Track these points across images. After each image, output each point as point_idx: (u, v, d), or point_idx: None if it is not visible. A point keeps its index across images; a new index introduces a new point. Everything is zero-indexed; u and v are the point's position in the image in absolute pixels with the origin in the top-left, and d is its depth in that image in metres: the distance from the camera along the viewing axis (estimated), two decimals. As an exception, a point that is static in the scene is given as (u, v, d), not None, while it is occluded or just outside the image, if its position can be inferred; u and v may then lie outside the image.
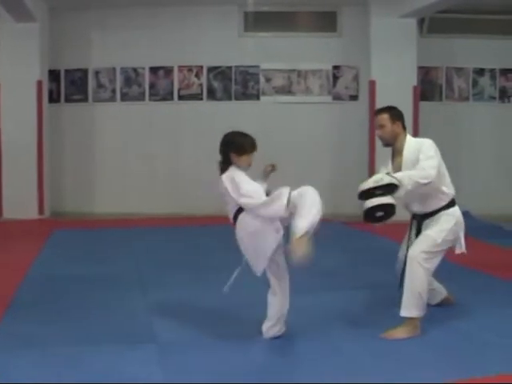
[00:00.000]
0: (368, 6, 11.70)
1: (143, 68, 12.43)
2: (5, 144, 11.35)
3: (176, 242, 9.08)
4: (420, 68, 12.04)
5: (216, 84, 12.51)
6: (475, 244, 8.79)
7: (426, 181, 4.96)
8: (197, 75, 12.48)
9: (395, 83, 11.36)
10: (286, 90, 12.59)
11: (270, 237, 4.62)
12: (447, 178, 5.26)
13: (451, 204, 5.23)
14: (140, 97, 12.48)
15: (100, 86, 12.46)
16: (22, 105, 11.32)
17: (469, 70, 12.74)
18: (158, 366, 4.36)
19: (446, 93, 12.74)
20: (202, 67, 12.47)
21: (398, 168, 5.26)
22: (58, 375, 4.13)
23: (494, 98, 12.82)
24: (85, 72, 12.42)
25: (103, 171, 12.45)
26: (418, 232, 5.26)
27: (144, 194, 12.27)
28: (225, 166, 4.81)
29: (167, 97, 12.49)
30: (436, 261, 5.10)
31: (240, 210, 4.72)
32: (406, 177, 4.94)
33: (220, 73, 12.49)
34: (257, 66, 12.50)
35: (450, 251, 5.26)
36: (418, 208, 5.29)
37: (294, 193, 4.61)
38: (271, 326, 4.88)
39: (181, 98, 12.50)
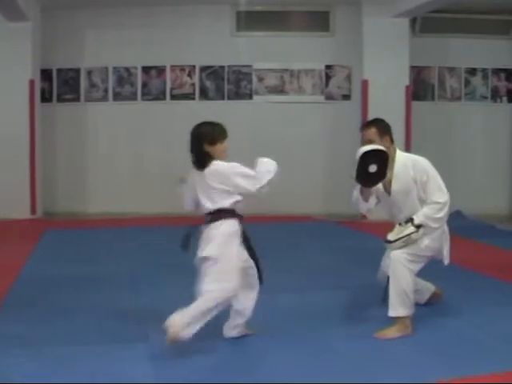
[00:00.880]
0: (360, 6, 11.72)
1: (136, 67, 12.42)
2: (-4, 143, 11.34)
3: (168, 242, 9.05)
4: (412, 68, 12.06)
5: (208, 83, 12.51)
6: (467, 243, 8.84)
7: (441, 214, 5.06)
8: (189, 75, 12.47)
9: (388, 83, 11.39)
10: (279, 90, 12.59)
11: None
12: None
13: None
14: (132, 96, 12.48)
15: (92, 85, 12.44)
16: (14, 104, 11.30)
17: (461, 70, 12.77)
18: (150, 365, 4.36)
19: (439, 92, 12.76)
20: (194, 67, 12.46)
21: (387, 182, 5.23)
22: (50, 375, 4.12)
23: (486, 97, 12.86)
24: (77, 71, 12.41)
25: (95, 171, 12.44)
26: None
27: (136, 194, 12.25)
28: (202, 159, 4.72)
29: (160, 96, 12.48)
30: (418, 266, 5.12)
31: (214, 216, 4.68)
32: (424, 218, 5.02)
33: (212, 72, 12.49)
34: (249, 66, 12.51)
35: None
36: (399, 216, 5.27)
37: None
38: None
39: (173, 97, 12.50)
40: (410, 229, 5.00)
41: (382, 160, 5.00)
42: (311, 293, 6.33)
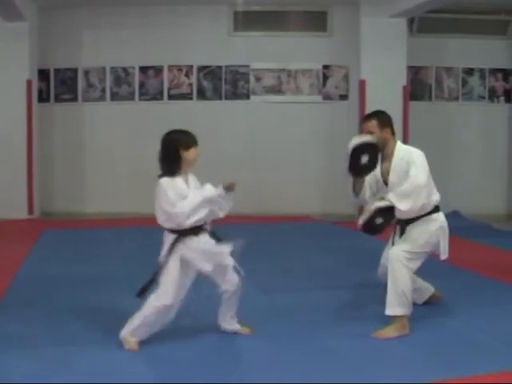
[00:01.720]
0: (358, 6, 11.72)
1: (133, 67, 12.42)
2: (-6, 143, 11.33)
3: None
4: (410, 68, 12.07)
5: (206, 83, 12.51)
6: (464, 243, 8.84)
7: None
8: (187, 75, 12.47)
9: (385, 83, 11.40)
10: (276, 90, 12.59)
11: None
12: (431, 187, 5.26)
13: (435, 210, 5.24)
14: (130, 96, 12.47)
15: (90, 85, 12.43)
16: (11, 104, 11.29)
17: (458, 70, 12.78)
18: (148, 366, 4.36)
19: (436, 92, 12.77)
20: (191, 67, 12.46)
21: (385, 173, 5.27)
22: (48, 375, 4.12)
23: (484, 97, 12.87)
24: (74, 71, 12.40)
25: (93, 171, 12.43)
26: (401, 235, 5.27)
27: (134, 194, 12.24)
28: (175, 164, 4.89)
29: (157, 96, 12.48)
30: (418, 263, 5.13)
31: None
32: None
33: (210, 72, 12.48)
34: (247, 66, 12.51)
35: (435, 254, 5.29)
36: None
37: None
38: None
39: (171, 97, 12.50)
40: (371, 210, 5.03)
41: (374, 151, 5.05)
42: (309, 293, 6.33)
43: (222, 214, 4.87)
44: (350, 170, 5.19)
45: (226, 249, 4.78)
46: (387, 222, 5.09)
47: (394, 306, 4.99)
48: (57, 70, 12.38)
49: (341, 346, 4.75)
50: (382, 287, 5.14)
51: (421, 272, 5.49)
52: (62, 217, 11.90)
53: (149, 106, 12.44)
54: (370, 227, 5.15)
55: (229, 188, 4.75)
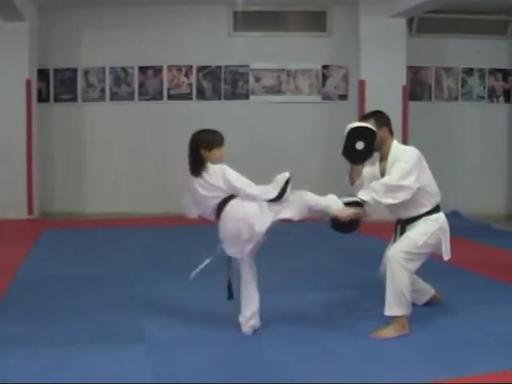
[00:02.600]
0: (357, 6, 11.71)
1: (132, 67, 12.41)
2: (-7, 143, 11.32)
3: (166, 242, 9.06)
4: (409, 68, 12.06)
5: (205, 84, 12.50)
6: (464, 243, 8.84)
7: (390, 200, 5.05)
8: (186, 75, 12.47)
9: (384, 83, 11.38)
10: (276, 90, 12.59)
11: (260, 220, 4.86)
12: (432, 186, 5.25)
13: (435, 210, 5.24)
14: (129, 96, 12.46)
15: (89, 85, 12.43)
16: (10, 104, 11.28)
17: (458, 70, 12.78)
18: (148, 365, 4.36)
19: (436, 92, 12.77)
20: (191, 67, 12.46)
21: (382, 172, 5.28)
22: (48, 375, 4.12)
23: (483, 97, 12.87)
24: (74, 71, 12.38)
25: (93, 171, 12.42)
26: (401, 234, 5.27)
27: (134, 194, 12.24)
28: (198, 164, 4.83)
29: (157, 96, 12.48)
30: (417, 263, 5.12)
31: (226, 199, 4.82)
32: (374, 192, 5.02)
33: (209, 72, 12.48)
34: (246, 66, 12.50)
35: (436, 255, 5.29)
36: (401, 213, 5.29)
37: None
38: (249, 319, 4.95)
39: (170, 97, 12.49)
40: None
41: (370, 138, 5.07)
42: (309, 293, 6.33)
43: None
44: (344, 154, 5.22)
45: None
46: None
47: (393, 307, 4.99)
48: (56, 70, 12.36)
49: (340, 346, 4.75)
50: (382, 287, 5.14)
51: (420, 272, 5.49)
52: (62, 217, 11.89)
53: (148, 106, 12.44)
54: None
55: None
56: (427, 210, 5.19)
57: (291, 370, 4.32)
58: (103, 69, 12.40)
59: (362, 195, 5.03)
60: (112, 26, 12.19)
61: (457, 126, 12.77)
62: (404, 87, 11.67)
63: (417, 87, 12.62)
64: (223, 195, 4.82)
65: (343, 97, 12.59)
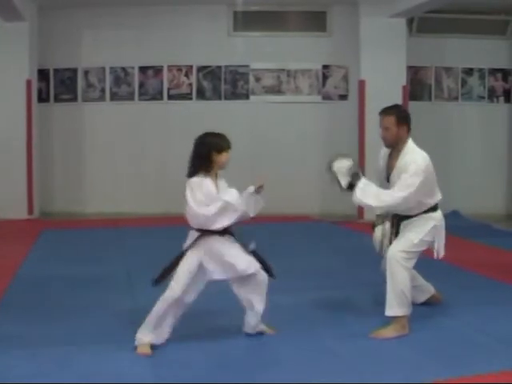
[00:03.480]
0: (357, 6, 11.72)
1: (133, 67, 12.41)
2: (-6, 143, 11.32)
3: (165, 242, 9.04)
4: (409, 68, 12.06)
5: (205, 83, 12.50)
6: (464, 243, 8.85)
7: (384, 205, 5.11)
8: (186, 75, 12.47)
9: (385, 83, 11.39)
10: (276, 90, 12.59)
11: None
12: (433, 190, 5.24)
13: (432, 209, 5.23)
14: (129, 96, 12.47)
15: (89, 85, 12.43)
16: (11, 104, 11.29)
17: (458, 70, 12.79)
18: (147, 365, 4.36)
19: (436, 92, 12.78)
20: (191, 67, 12.46)
21: (390, 169, 5.26)
22: (48, 375, 4.12)
23: (483, 97, 12.87)
24: (74, 71, 12.39)
25: (92, 171, 12.43)
26: (396, 230, 5.27)
27: (134, 194, 12.25)
28: (204, 167, 4.81)
29: (157, 96, 12.48)
30: (414, 261, 5.15)
31: None
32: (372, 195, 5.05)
33: (209, 72, 12.48)
34: (246, 66, 12.51)
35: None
36: (400, 210, 5.29)
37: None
38: (259, 322, 4.96)
39: (170, 97, 12.50)
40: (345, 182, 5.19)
41: (354, 174, 5.16)
42: (308, 293, 6.32)
43: (252, 215, 5.04)
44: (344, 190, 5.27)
45: (241, 265, 4.83)
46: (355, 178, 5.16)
47: (394, 307, 4.99)
48: (56, 70, 12.37)
49: (340, 346, 4.75)
50: (382, 286, 5.14)
51: (420, 272, 5.50)
52: (62, 217, 11.90)
53: (148, 105, 12.44)
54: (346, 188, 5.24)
55: (258, 190, 4.99)
56: (424, 209, 5.19)
57: (291, 369, 4.32)
58: (103, 69, 12.41)
59: (360, 193, 5.06)
60: (112, 26, 12.20)
61: (457, 125, 12.77)
62: (404, 87, 11.67)
63: (417, 87, 12.62)
64: None
65: (343, 97, 12.60)
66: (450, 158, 12.51)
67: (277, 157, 12.30)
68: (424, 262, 5.32)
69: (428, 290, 5.70)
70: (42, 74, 12.19)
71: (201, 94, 12.52)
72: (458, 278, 6.94)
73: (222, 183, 4.91)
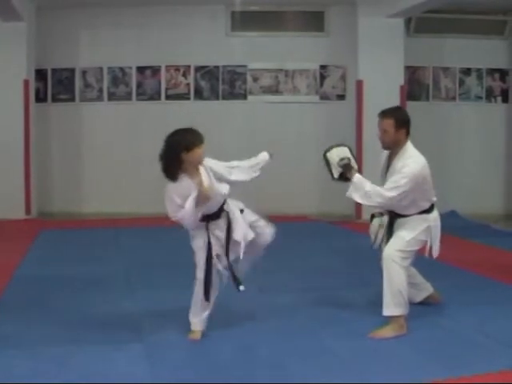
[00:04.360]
0: (355, 6, 11.71)
1: (130, 67, 12.40)
2: (-9, 144, 11.31)
3: (164, 242, 9.06)
4: (407, 68, 12.06)
5: (203, 83, 12.50)
6: (462, 243, 8.86)
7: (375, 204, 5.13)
8: (184, 75, 12.47)
9: (382, 83, 11.39)
10: (274, 90, 12.59)
11: None
12: (429, 192, 5.24)
13: (427, 211, 5.24)
14: (127, 96, 12.45)
15: (87, 85, 12.42)
16: (8, 104, 11.26)
17: (455, 70, 12.79)
18: (146, 365, 4.36)
19: (433, 92, 12.78)
20: (189, 67, 12.45)
21: (387, 167, 5.28)
22: (46, 376, 4.12)
23: (481, 97, 12.87)
24: (72, 71, 12.37)
25: (90, 171, 12.41)
26: (389, 227, 5.28)
27: (132, 194, 12.23)
28: (174, 169, 4.83)
29: (154, 96, 12.47)
30: (410, 260, 5.17)
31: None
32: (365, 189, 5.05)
33: (207, 72, 12.48)
34: (244, 66, 12.50)
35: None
36: (394, 208, 5.31)
37: None
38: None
39: (168, 97, 12.49)
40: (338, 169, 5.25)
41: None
42: (306, 293, 6.33)
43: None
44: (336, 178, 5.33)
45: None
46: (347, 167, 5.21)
47: (391, 307, 4.99)
48: (54, 70, 12.35)
49: (339, 346, 4.75)
50: (381, 286, 5.14)
51: (419, 272, 5.50)
52: (60, 217, 11.88)
53: (146, 105, 12.43)
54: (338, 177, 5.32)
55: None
56: (419, 210, 5.20)
57: (290, 369, 4.32)
58: (101, 69, 12.39)
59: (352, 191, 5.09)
60: (110, 26, 12.18)
61: (454, 126, 12.77)
62: (402, 87, 11.67)
63: (414, 87, 12.62)
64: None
65: (341, 97, 12.59)
66: (447, 158, 12.51)
67: (275, 157, 12.28)
68: (423, 262, 5.32)
69: (426, 288, 5.70)
70: (40, 74, 12.17)
71: (199, 94, 12.51)
72: (456, 277, 6.94)
73: (206, 170, 4.93)
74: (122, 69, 12.41)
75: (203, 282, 4.83)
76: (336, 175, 5.25)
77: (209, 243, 4.85)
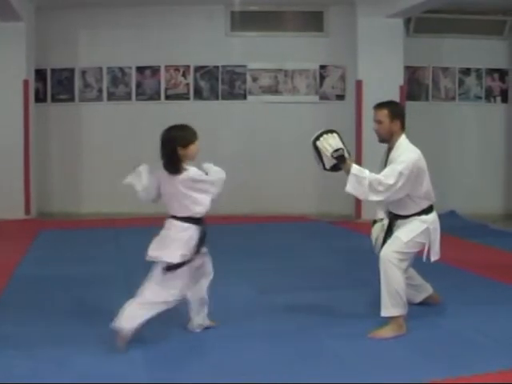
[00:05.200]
0: (355, 6, 11.72)
1: (130, 67, 12.41)
2: (-9, 144, 11.31)
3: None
4: (407, 68, 12.07)
5: (203, 83, 12.50)
6: (461, 243, 8.86)
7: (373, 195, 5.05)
8: (184, 75, 12.47)
9: (382, 83, 11.37)
10: (273, 90, 12.59)
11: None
12: (427, 189, 5.24)
13: (426, 211, 5.23)
14: (127, 96, 12.46)
15: (87, 85, 12.42)
16: (8, 104, 11.27)
17: (455, 70, 12.79)
18: (144, 367, 4.36)
19: (433, 92, 12.78)
20: (188, 67, 12.45)
21: (385, 163, 5.29)
22: (45, 376, 4.12)
23: (480, 97, 12.88)
24: (71, 71, 12.38)
25: (90, 171, 12.41)
26: (388, 229, 5.28)
27: (131, 194, 12.16)
28: (174, 163, 4.94)
29: (154, 96, 12.47)
30: (408, 262, 5.15)
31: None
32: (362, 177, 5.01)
33: (207, 72, 12.48)
34: (244, 66, 12.50)
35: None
36: (392, 208, 5.31)
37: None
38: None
39: (168, 97, 12.49)
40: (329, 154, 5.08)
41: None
42: (306, 293, 6.34)
43: None
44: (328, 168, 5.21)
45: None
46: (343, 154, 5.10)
47: (389, 307, 5.00)
48: (54, 70, 12.35)
49: (338, 346, 4.75)
50: (379, 287, 5.14)
51: (418, 272, 5.50)
52: (59, 217, 11.89)
53: (146, 106, 12.43)
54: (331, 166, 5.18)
55: None
56: (418, 210, 5.19)
57: (290, 369, 4.32)
58: (100, 69, 12.39)
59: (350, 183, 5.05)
60: (109, 26, 12.19)
61: (454, 126, 12.77)
62: (401, 87, 11.67)
63: (414, 87, 12.63)
64: (180, 212, 5.06)
65: (341, 97, 12.59)
66: (447, 158, 12.52)
67: (274, 157, 12.31)
68: (421, 262, 5.32)
69: (426, 289, 5.70)
70: (40, 74, 12.17)
71: (198, 94, 12.52)
72: (455, 277, 6.95)
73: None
74: (121, 69, 12.41)
75: None
76: (328, 166, 5.16)
77: None
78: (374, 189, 4.99)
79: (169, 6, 12.09)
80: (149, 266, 4.92)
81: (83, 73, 12.39)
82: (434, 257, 5.25)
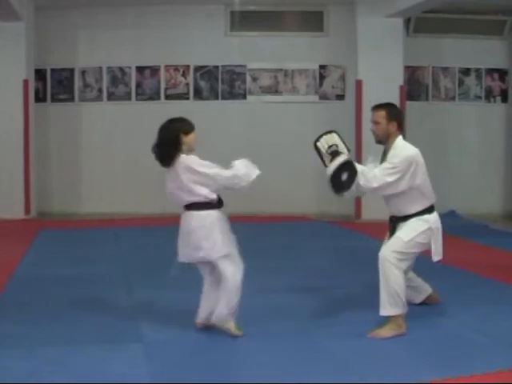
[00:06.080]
0: (355, 6, 11.72)
1: (130, 67, 12.41)
2: (-10, 143, 11.31)
3: (162, 242, 9.05)
4: (406, 68, 12.07)
5: (203, 83, 12.50)
6: (461, 243, 8.86)
7: (367, 187, 5.11)
8: (183, 75, 12.47)
9: (382, 83, 11.38)
10: (273, 90, 12.59)
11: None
12: (426, 187, 5.25)
13: (427, 211, 5.23)
14: (126, 96, 12.46)
15: (86, 85, 12.42)
16: (7, 104, 11.27)
17: (455, 70, 12.79)
18: (145, 365, 4.35)
19: (433, 92, 12.78)
20: (188, 66, 12.46)
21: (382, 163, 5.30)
22: (43, 375, 4.12)
23: (480, 97, 12.88)
24: (71, 71, 12.38)
25: (89, 171, 12.41)
26: (392, 234, 5.28)
27: (131, 194, 12.23)
28: (173, 150, 5.21)
29: (154, 96, 12.47)
30: (408, 263, 5.13)
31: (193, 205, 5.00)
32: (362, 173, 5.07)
33: (207, 72, 12.48)
34: (243, 66, 12.50)
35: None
36: (394, 210, 5.30)
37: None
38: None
39: (167, 97, 12.49)
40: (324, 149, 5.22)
41: (350, 167, 5.12)
42: (305, 293, 6.34)
43: None
44: (335, 191, 5.28)
45: None
46: (352, 178, 5.11)
47: (387, 307, 4.99)
48: (53, 70, 12.36)
49: (337, 346, 4.75)
50: (379, 286, 5.14)
51: (418, 272, 5.50)
52: (59, 217, 11.89)
53: (145, 105, 12.43)
54: (338, 186, 5.24)
55: None
56: (419, 210, 5.19)
57: (289, 369, 4.32)
58: (100, 69, 12.39)
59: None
60: (109, 26, 12.19)
61: (454, 125, 12.77)
62: (401, 87, 11.68)
63: (414, 87, 12.63)
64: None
65: (340, 97, 12.60)
66: (446, 158, 12.52)
67: (274, 156, 12.29)
68: (421, 262, 5.32)
69: (425, 290, 5.70)
70: (39, 74, 12.18)
71: (198, 94, 12.52)
72: (455, 277, 6.95)
73: None
74: (121, 69, 12.41)
75: None
76: (327, 164, 5.24)
77: None
78: (367, 180, 5.11)
79: (168, 6, 12.09)
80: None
81: (83, 73, 12.39)
82: (437, 257, 5.25)
